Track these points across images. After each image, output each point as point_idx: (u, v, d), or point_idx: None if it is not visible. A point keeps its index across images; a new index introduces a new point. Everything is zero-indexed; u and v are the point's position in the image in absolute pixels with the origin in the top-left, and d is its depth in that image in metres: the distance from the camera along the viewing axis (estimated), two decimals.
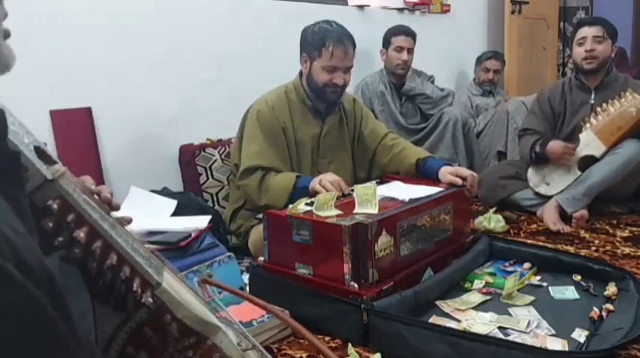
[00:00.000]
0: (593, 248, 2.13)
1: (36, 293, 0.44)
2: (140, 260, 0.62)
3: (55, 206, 0.59)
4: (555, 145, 2.47)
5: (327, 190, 1.77)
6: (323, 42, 2.01)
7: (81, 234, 0.59)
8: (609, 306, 1.56)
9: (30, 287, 0.43)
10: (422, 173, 2.07)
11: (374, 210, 1.59)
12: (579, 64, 2.61)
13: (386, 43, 3.15)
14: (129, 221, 0.74)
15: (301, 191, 1.87)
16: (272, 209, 1.86)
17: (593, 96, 2.62)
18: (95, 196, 0.73)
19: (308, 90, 2.11)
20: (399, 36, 3.10)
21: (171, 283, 0.63)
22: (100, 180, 2.18)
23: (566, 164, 2.48)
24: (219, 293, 1.64)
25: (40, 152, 0.61)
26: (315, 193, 1.79)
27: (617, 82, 2.62)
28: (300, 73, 2.15)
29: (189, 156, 2.44)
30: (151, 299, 0.61)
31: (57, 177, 0.61)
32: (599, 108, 2.53)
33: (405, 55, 3.10)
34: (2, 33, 0.59)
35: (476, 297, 1.66)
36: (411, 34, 3.13)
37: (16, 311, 0.42)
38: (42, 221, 0.58)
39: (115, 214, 0.71)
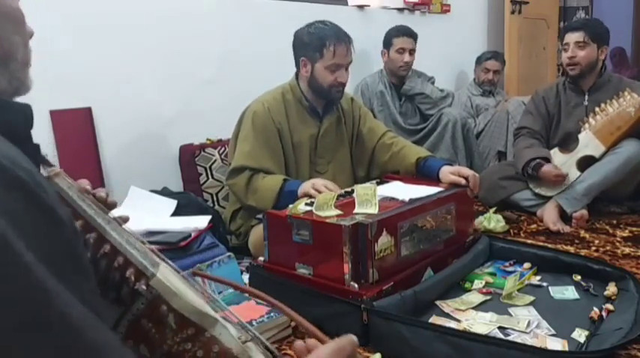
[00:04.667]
0: (593, 248, 2.13)
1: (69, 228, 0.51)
2: (135, 252, 0.63)
3: None
4: (548, 170, 2.46)
5: (320, 193, 1.76)
6: (323, 42, 2.00)
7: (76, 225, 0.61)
8: (609, 306, 1.56)
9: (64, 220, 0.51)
10: (422, 172, 2.07)
11: (374, 210, 1.59)
12: (565, 69, 2.65)
13: (387, 44, 3.15)
14: (125, 220, 0.75)
15: (288, 195, 1.87)
16: (259, 210, 1.86)
17: (586, 97, 2.63)
18: (91, 196, 0.74)
19: (306, 90, 2.11)
20: (400, 37, 3.10)
21: (167, 274, 0.64)
22: (100, 180, 2.19)
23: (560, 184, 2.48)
24: (219, 292, 1.64)
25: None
26: (303, 197, 1.78)
27: (611, 83, 2.62)
28: (296, 74, 2.14)
29: (189, 156, 2.44)
30: (144, 287, 0.62)
31: (52, 176, 0.63)
32: (597, 109, 2.53)
33: (407, 57, 3.10)
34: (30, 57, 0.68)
35: (476, 297, 1.66)
36: (412, 35, 3.12)
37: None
38: None
39: (112, 213, 0.73)
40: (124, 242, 0.63)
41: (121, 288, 0.62)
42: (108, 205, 0.80)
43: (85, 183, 0.83)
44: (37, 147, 0.62)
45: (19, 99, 0.63)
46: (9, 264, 0.42)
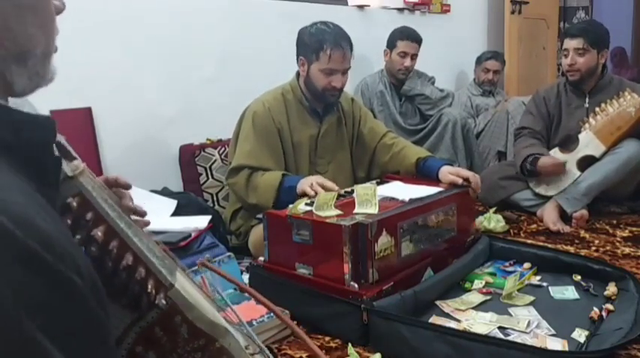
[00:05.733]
0: (593, 248, 2.13)
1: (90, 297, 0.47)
2: (155, 260, 0.62)
3: (74, 203, 0.59)
4: (545, 161, 2.46)
5: (316, 193, 1.75)
6: (321, 45, 1.99)
7: (98, 232, 0.59)
8: (609, 306, 1.56)
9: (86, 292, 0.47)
10: (422, 172, 2.07)
11: (374, 210, 1.59)
12: (566, 75, 2.65)
13: (391, 44, 3.14)
14: (146, 224, 0.74)
15: (287, 191, 1.86)
16: (261, 208, 1.85)
17: (587, 99, 2.63)
18: (112, 193, 0.73)
19: (305, 91, 2.11)
20: (404, 41, 3.09)
21: (184, 284, 0.64)
22: None
23: (559, 174, 2.47)
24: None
25: (60, 147, 0.61)
26: (303, 195, 1.79)
27: (612, 85, 2.62)
28: (297, 74, 2.14)
29: (189, 156, 2.44)
30: (164, 301, 0.61)
31: (77, 174, 0.61)
32: (597, 109, 2.53)
33: (408, 62, 3.09)
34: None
35: (476, 297, 1.66)
36: (417, 40, 3.11)
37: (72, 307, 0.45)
38: (61, 217, 0.58)
39: (135, 218, 0.72)
40: (145, 248, 0.62)
41: (141, 299, 0.61)
42: (138, 214, 0.79)
43: (127, 198, 0.81)
44: (58, 161, 0.58)
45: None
46: (15, 344, 0.39)
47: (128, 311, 0.62)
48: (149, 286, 0.61)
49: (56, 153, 0.59)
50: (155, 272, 0.61)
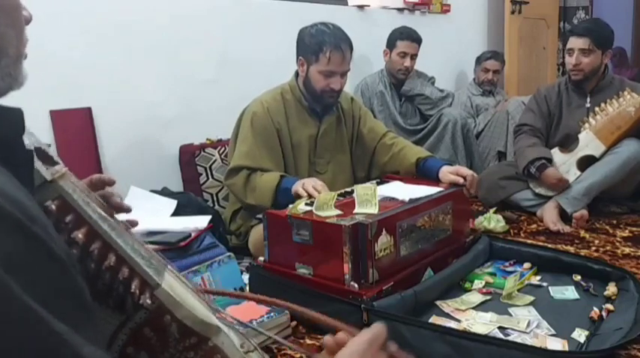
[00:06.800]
0: (593, 248, 2.13)
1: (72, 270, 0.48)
2: (140, 261, 0.62)
3: (53, 206, 0.59)
4: (551, 173, 2.45)
5: (309, 194, 1.75)
6: (320, 47, 1.99)
7: (79, 234, 0.59)
8: (609, 306, 1.56)
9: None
10: (422, 172, 2.07)
11: (374, 210, 1.59)
12: (569, 73, 2.65)
13: (391, 44, 3.14)
14: (134, 224, 0.74)
15: (285, 192, 1.86)
16: (260, 209, 1.85)
17: (588, 99, 2.63)
18: (99, 198, 0.73)
19: (304, 91, 2.11)
20: (404, 41, 3.09)
21: (172, 284, 0.63)
22: None
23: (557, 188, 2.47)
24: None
25: (40, 153, 0.61)
26: (298, 196, 1.78)
27: (613, 85, 2.62)
28: (296, 74, 2.14)
29: (189, 156, 2.44)
30: (149, 301, 0.61)
31: (56, 178, 0.61)
32: (597, 108, 2.53)
33: (407, 62, 3.10)
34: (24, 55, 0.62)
35: (476, 297, 1.66)
36: (416, 40, 3.12)
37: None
38: None
39: (122, 216, 0.72)
40: (129, 249, 0.62)
41: (125, 299, 0.61)
42: (123, 210, 0.79)
43: (107, 179, 0.82)
44: (30, 154, 0.57)
45: (11, 98, 0.58)
46: (10, 308, 0.40)
47: (116, 313, 0.62)
48: (133, 286, 0.60)
49: (31, 147, 0.59)
50: (140, 272, 0.61)
